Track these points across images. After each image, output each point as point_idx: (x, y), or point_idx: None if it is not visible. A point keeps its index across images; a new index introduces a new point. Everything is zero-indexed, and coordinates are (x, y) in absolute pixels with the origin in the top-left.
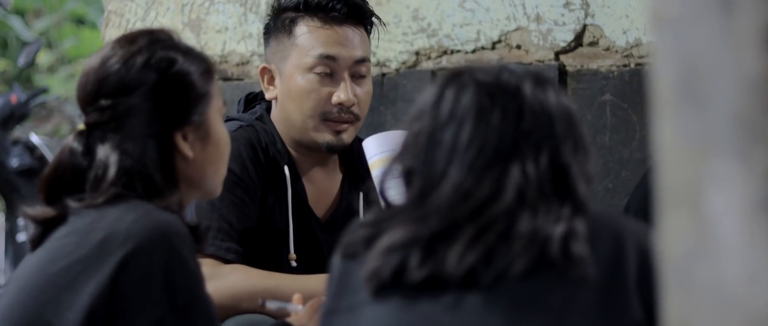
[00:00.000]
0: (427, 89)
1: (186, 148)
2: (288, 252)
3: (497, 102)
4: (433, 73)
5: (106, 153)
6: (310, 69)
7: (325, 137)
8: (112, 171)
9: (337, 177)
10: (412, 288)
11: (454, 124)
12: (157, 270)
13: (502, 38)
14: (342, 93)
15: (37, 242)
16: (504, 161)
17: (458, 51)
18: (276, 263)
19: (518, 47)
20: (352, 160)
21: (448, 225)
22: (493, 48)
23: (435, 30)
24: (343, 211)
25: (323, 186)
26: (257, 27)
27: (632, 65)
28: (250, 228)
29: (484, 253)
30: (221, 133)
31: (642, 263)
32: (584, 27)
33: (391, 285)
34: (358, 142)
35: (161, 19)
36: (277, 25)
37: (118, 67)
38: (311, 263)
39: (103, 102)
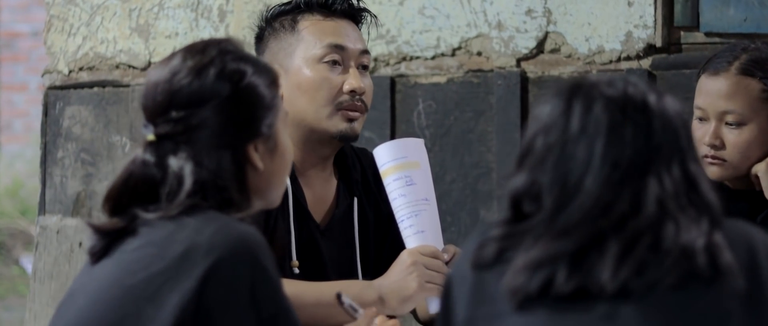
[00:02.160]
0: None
1: (257, 160)
2: (290, 259)
3: (628, 116)
4: (392, 80)
5: (179, 164)
6: (320, 59)
7: (339, 125)
8: (188, 182)
9: (333, 182)
10: (558, 300)
11: (586, 138)
12: (243, 283)
13: (463, 45)
14: (353, 80)
15: (101, 254)
16: (639, 175)
17: (417, 57)
18: (278, 270)
19: (479, 54)
20: (347, 165)
21: (591, 238)
22: (453, 55)
23: (394, 36)
24: (340, 217)
25: (321, 192)
26: (209, 32)
27: (594, 72)
28: None
29: (636, 266)
30: (287, 143)
31: None
32: (546, 34)
33: (536, 298)
34: (352, 146)
35: (107, 24)
36: (275, 27)
37: (190, 78)
38: (312, 269)
39: (175, 113)
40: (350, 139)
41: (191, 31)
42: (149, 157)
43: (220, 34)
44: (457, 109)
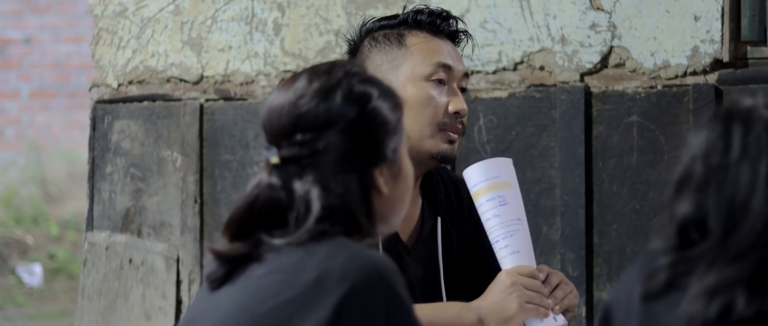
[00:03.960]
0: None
1: (382, 185)
2: None
3: None
4: None
5: (305, 188)
6: (427, 77)
7: (440, 146)
8: (316, 207)
9: (418, 202)
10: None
11: (749, 161)
12: (379, 311)
13: (525, 59)
14: (458, 102)
15: (222, 280)
16: None
17: (479, 72)
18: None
19: (541, 68)
20: (431, 185)
21: (767, 261)
22: (514, 69)
23: None
24: (425, 236)
25: (407, 212)
26: (263, 46)
27: (659, 87)
28: None
29: None
30: (409, 168)
31: None
32: (610, 49)
33: (713, 325)
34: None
35: (158, 37)
36: (379, 39)
37: (316, 101)
38: None
39: (300, 136)
40: (449, 160)
41: (245, 44)
42: (275, 181)
43: (275, 47)
44: (518, 123)
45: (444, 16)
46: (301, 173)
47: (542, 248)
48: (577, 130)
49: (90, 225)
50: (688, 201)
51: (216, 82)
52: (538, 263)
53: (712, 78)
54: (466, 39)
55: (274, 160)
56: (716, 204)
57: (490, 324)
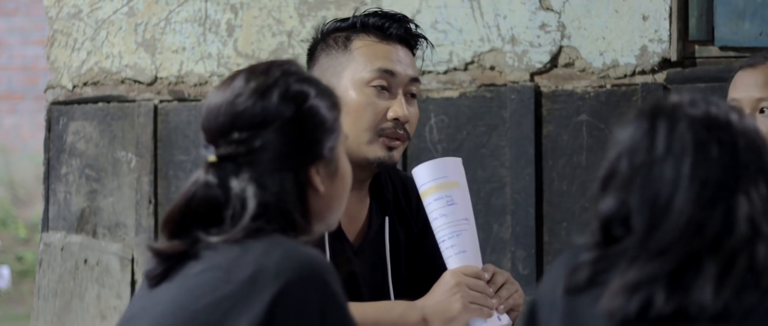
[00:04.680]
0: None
1: (319, 183)
2: None
3: (713, 134)
4: None
5: (242, 186)
6: (368, 83)
7: (378, 152)
8: (251, 205)
9: (366, 202)
10: (656, 322)
11: (673, 158)
12: (312, 308)
13: (476, 59)
14: (398, 108)
15: (160, 277)
16: (729, 193)
17: (430, 72)
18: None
19: (492, 68)
20: (380, 185)
21: (687, 258)
22: (465, 69)
23: None
24: (372, 236)
25: (354, 212)
26: (217, 47)
27: (609, 86)
28: None
29: (736, 287)
30: (347, 167)
31: None
32: (560, 48)
33: (634, 320)
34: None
35: (112, 39)
36: (329, 43)
37: (253, 100)
38: (346, 289)
39: (237, 135)
40: (387, 166)
41: (198, 45)
42: (211, 179)
43: (228, 49)
44: (469, 123)
45: (396, 19)
46: (238, 171)
47: (493, 247)
48: (527, 129)
49: (46, 226)
50: (612, 197)
51: (170, 84)
52: (487, 262)
53: (660, 77)
54: (424, 43)
55: (211, 158)
56: (639, 202)
57: (434, 323)
